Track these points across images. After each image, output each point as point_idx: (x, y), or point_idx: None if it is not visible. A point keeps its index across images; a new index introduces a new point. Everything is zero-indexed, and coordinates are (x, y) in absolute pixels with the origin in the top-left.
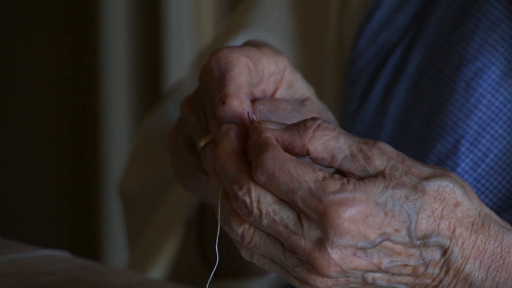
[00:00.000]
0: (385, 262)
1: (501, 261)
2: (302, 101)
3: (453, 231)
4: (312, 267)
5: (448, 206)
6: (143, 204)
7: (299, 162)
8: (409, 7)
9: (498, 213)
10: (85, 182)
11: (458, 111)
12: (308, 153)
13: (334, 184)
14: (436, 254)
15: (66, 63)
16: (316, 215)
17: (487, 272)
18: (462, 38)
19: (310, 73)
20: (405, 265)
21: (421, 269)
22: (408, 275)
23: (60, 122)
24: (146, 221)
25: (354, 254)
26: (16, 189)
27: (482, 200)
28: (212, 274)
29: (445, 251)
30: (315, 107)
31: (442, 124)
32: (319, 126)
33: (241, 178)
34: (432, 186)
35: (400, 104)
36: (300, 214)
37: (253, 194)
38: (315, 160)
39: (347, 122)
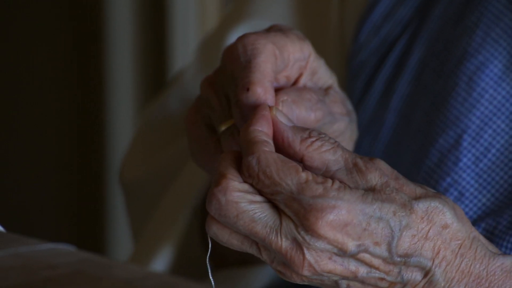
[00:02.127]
0: (362, 272)
1: (487, 284)
2: (326, 89)
3: (437, 253)
4: (287, 265)
5: (436, 227)
6: (145, 192)
7: (283, 162)
8: None
9: (500, 208)
10: (89, 176)
11: (460, 106)
12: (302, 160)
13: (316, 188)
14: (416, 275)
15: (71, 54)
16: (296, 217)
17: None
18: (465, 32)
19: None
20: (382, 279)
21: (398, 286)
22: None
23: (65, 116)
24: (149, 209)
25: (330, 258)
26: (20, 183)
27: (484, 196)
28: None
29: (426, 273)
30: (338, 96)
31: (444, 118)
32: (319, 138)
33: (221, 176)
34: (421, 206)
35: (402, 97)
36: (281, 213)
37: (230, 196)
38: (309, 169)
39: None
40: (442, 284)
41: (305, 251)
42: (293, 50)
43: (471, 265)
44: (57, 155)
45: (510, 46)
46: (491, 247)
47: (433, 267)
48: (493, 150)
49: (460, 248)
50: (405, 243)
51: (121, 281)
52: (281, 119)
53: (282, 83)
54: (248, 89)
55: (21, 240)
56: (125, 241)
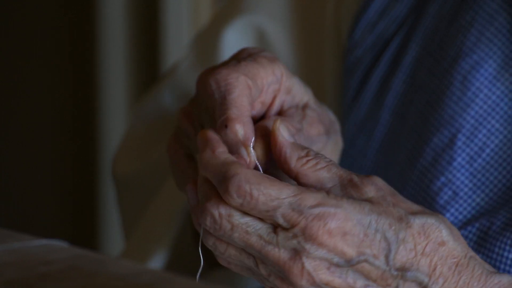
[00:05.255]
0: (360, 285)
1: None
2: (303, 108)
3: (434, 269)
4: (285, 276)
5: (433, 244)
6: (138, 187)
7: (271, 179)
8: None
9: (494, 208)
10: (83, 173)
11: (455, 105)
12: (296, 178)
13: (314, 198)
14: None
15: (64, 52)
16: (297, 228)
17: None
18: (460, 31)
19: (308, 60)
20: None
21: None
22: None
23: (59, 112)
24: (142, 206)
25: (328, 269)
26: (13, 180)
27: (478, 196)
28: (198, 275)
29: None
30: (315, 115)
31: (439, 118)
32: (315, 157)
33: (211, 193)
34: (418, 221)
35: (397, 96)
36: (275, 224)
37: (222, 210)
38: (304, 186)
39: (345, 112)
40: None
41: (304, 259)
42: (265, 75)
43: (468, 282)
44: (51, 152)
45: (505, 46)
46: (487, 266)
47: (430, 283)
48: (488, 150)
49: (456, 266)
50: (402, 257)
51: (115, 277)
52: (283, 132)
53: (258, 108)
54: (226, 126)
55: (15, 236)
56: (119, 237)
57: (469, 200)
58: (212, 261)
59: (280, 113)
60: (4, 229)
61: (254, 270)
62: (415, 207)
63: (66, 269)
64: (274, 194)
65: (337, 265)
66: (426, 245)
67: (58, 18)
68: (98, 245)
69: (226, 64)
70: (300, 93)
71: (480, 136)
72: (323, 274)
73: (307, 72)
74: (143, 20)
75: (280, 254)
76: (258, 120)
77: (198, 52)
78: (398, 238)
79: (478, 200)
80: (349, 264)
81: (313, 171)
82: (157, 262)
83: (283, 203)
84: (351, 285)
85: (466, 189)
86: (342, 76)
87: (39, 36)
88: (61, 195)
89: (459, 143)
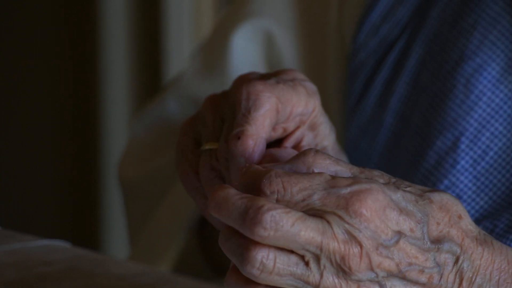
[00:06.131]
0: (404, 263)
1: (510, 272)
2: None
3: (462, 240)
4: (344, 265)
5: (453, 217)
6: (143, 194)
7: (297, 173)
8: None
9: (498, 211)
10: (85, 174)
11: (458, 108)
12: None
13: (346, 179)
14: (448, 263)
15: (66, 56)
16: (340, 209)
17: (497, 284)
18: (462, 34)
19: (312, 64)
20: (422, 271)
21: (436, 278)
22: (424, 284)
23: (61, 114)
24: (148, 212)
25: (377, 249)
26: (15, 181)
27: (482, 198)
28: None
29: (457, 259)
30: None
31: (442, 121)
32: (317, 152)
33: (256, 199)
34: (437, 196)
35: (400, 99)
36: (322, 216)
37: (276, 212)
38: None
39: (348, 115)
40: (470, 273)
41: (360, 238)
42: (297, 105)
43: (492, 253)
44: (51, 152)
45: (508, 49)
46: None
47: (462, 253)
48: (491, 153)
49: (476, 239)
50: (433, 231)
51: (116, 277)
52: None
53: (278, 133)
54: (239, 138)
55: (16, 236)
56: (119, 237)
57: (473, 203)
58: (218, 268)
59: (297, 146)
60: (5, 229)
61: (304, 276)
62: (426, 188)
63: (66, 269)
64: (306, 182)
65: (384, 245)
66: (449, 218)
67: (58, 18)
68: (98, 246)
69: (265, 78)
70: (323, 135)
71: (483, 139)
72: (376, 256)
73: (311, 75)
74: (144, 19)
75: (339, 239)
76: (272, 143)
77: (204, 59)
78: (425, 212)
79: (481, 203)
80: (393, 240)
81: (324, 165)
82: (161, 268)
83: (318, 189)
84: (398, 264)
85: (469, 192)
86: (346, 79)
87: (39, 36)
88: (61, 195)
89: (463, 146)
